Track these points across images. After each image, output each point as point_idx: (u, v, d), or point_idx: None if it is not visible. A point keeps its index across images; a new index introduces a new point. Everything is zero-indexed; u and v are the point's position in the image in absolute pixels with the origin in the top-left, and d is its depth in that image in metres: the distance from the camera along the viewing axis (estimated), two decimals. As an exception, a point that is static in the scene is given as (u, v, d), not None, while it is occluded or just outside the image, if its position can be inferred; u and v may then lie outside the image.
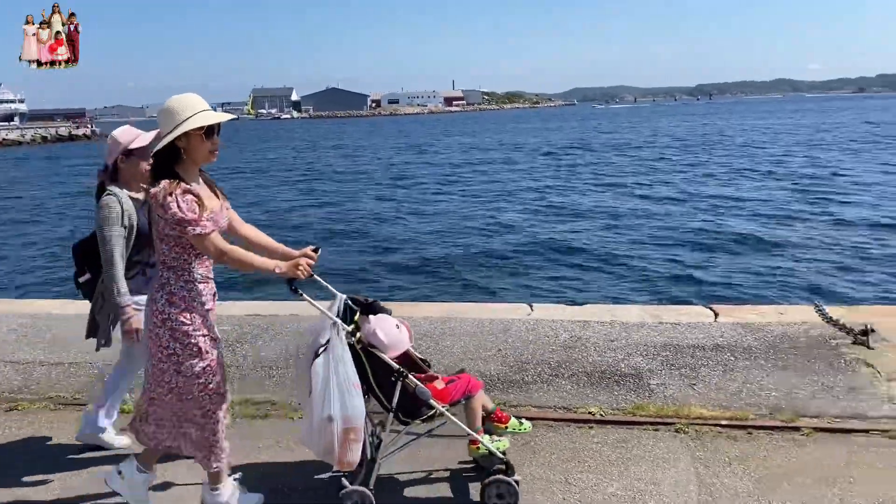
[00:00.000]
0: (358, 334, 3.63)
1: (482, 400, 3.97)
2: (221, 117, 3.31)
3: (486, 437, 3.88)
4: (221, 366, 3.47)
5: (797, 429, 4.41)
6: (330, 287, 3.82)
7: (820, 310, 6.62)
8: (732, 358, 5.61)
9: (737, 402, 4.82)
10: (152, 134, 3.84)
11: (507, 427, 4.10)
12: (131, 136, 4.02)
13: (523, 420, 4.23)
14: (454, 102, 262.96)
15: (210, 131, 3.27)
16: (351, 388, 3.44)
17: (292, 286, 3.39)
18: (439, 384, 3.82)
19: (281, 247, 3.59)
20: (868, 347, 5.70)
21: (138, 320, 3.83)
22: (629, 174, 34.05)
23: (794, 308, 7.04)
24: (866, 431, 4.37)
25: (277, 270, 3.31)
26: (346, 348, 3.49)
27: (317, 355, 3.50)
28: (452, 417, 3.73)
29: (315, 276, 3.58)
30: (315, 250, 3.49)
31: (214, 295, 3.49)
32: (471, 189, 30.59)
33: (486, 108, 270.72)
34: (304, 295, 3.46)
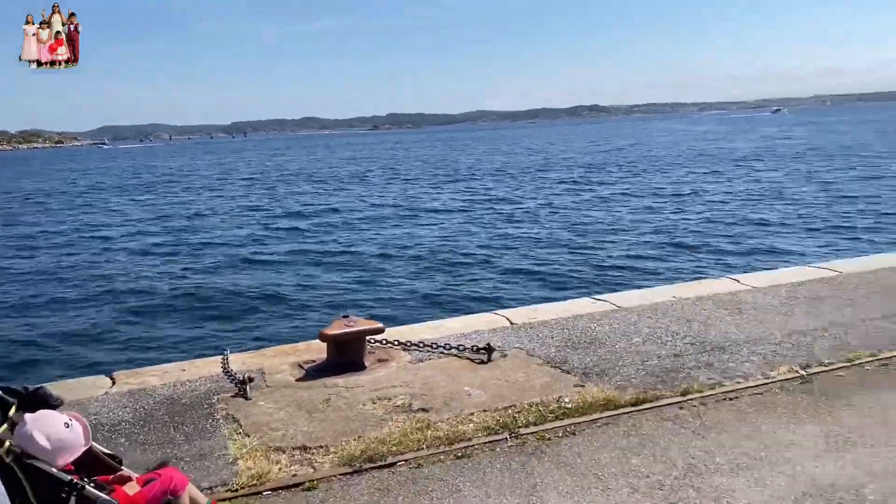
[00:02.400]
0: (7, 443, 2.84)
1: (192, 498, 3.36)
2: None
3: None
4: None
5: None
6: None
7: (225, 359, 6.33)
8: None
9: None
10: None
11: None
12: None
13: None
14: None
15: None
16: None
17: None
18: (132, 487, 3.17)
19: None
20: (245, 398, 5.51)
21: None
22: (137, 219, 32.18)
23: (204, 361, 6.65)
24: (190, 508, 3.95)
25: None
26: None
27: None
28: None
29: None
30: None
31: None
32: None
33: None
34: None
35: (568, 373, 5.71)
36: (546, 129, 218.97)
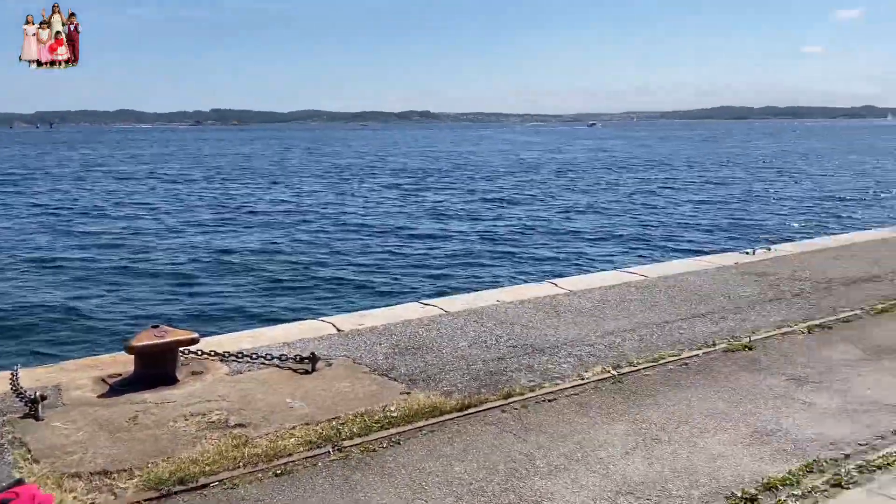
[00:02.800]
0: None
1: None
2: None
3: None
4: None
5: None
6: None
7: (14, 375, 5.62)
8: None
9: None
10: None
11: None
12: None
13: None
14: None
15: None
16: None
17: None
18: None
19: None
20: (37, 419, 4.92)
21: None
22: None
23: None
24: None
25: None
26: None
27: None
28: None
29: None
30: None
31: None
32: None
33: None
34: None
35: (395, 380, 5.64)
36: (377, 132, 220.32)
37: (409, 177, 48.60)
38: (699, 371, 5.94)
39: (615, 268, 11.52)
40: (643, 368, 5.97)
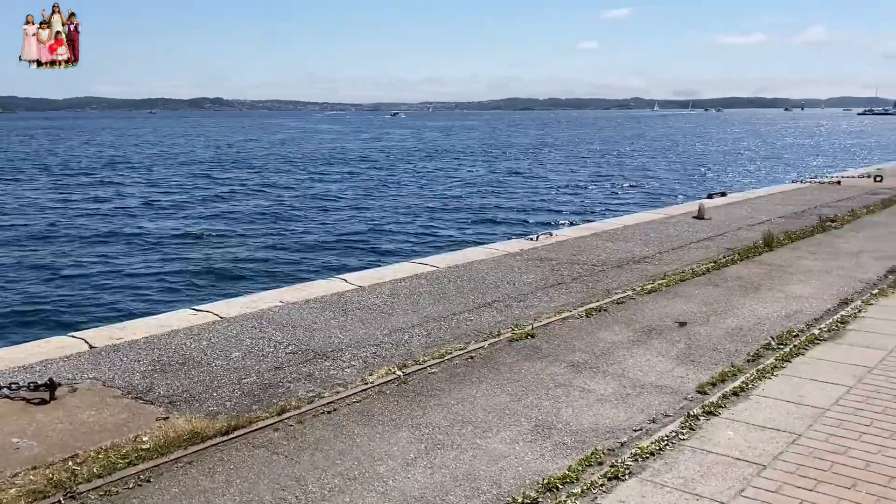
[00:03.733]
0: None
1: None
2: None
3: None
4: None
5: None
6: None
7: None
8: None
9: None
10: None
11: None
12: None
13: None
14: None
15: None
16: None
17: None
18: None
19: None
20: None
21: None
22: None
23: None
24: None
25: None
26: None
27: None
28: None
29: None
30: None
31: None
32: None
33: None
34: None
35: (151, 403, 4.94)
36: (164, 121, 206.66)
37: (189, 170, 45.70)
38: (485, 363, 5.84)
39: (399, 260, 11.34)
40: (430, 366, 5.76)
